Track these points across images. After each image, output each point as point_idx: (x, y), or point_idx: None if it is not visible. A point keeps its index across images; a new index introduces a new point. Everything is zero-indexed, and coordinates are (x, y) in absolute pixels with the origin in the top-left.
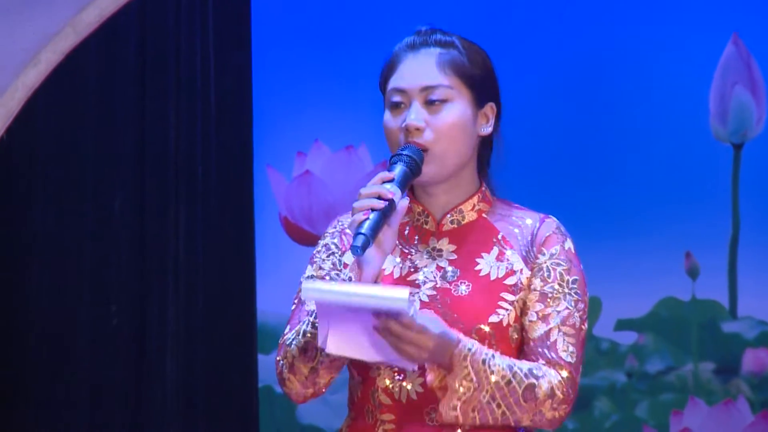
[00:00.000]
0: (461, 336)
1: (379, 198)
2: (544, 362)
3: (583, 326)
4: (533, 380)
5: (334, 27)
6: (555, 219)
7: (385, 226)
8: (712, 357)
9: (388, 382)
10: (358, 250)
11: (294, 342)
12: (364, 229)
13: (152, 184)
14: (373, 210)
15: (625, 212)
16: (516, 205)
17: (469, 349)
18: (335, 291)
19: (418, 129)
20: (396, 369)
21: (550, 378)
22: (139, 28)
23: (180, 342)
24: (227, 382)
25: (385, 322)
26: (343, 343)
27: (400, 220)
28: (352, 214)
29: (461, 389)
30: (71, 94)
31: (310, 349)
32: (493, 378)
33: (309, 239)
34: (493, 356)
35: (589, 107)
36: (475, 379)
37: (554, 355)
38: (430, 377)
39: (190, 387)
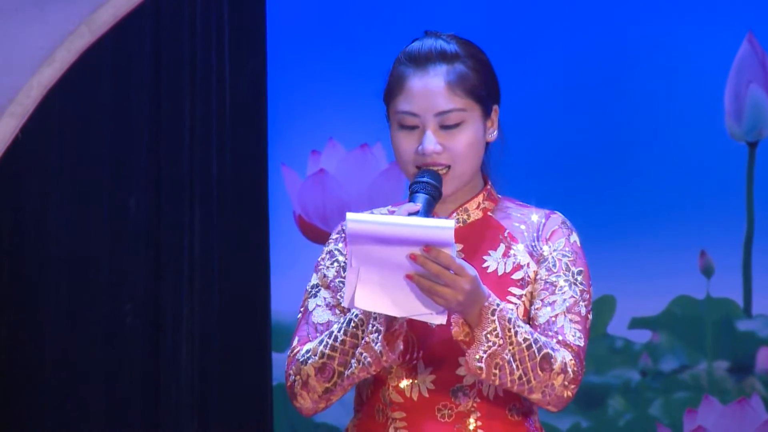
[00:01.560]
0: (490, 291)
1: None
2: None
3: (588, 316)
4: (550, 350)
5: (349, 26)
6: (560, 214)
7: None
8: (726, 355)
9: (398, 380)
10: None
11: (310, 361)
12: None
13: (167, 182)
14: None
15: (639, 211)
16: (520, 202)
17: (498, 305)
18: (380, 222)
19: (436, 153)
20: (407, 366)
21: (564, 354)
22: (155, 26)
23: (194, 340)
24: (242, 380)
25: (427, 256)
26: (372, 296)
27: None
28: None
29: (488, 343)
30: (86, 93)
31: (327, 370)
32: (518, 338)
33: (323, 238)
34: (517, 318)
35: (605, 106)
36: (501, 334)
37: (561, 338)
38: (455, 329)
39: (204, 385)
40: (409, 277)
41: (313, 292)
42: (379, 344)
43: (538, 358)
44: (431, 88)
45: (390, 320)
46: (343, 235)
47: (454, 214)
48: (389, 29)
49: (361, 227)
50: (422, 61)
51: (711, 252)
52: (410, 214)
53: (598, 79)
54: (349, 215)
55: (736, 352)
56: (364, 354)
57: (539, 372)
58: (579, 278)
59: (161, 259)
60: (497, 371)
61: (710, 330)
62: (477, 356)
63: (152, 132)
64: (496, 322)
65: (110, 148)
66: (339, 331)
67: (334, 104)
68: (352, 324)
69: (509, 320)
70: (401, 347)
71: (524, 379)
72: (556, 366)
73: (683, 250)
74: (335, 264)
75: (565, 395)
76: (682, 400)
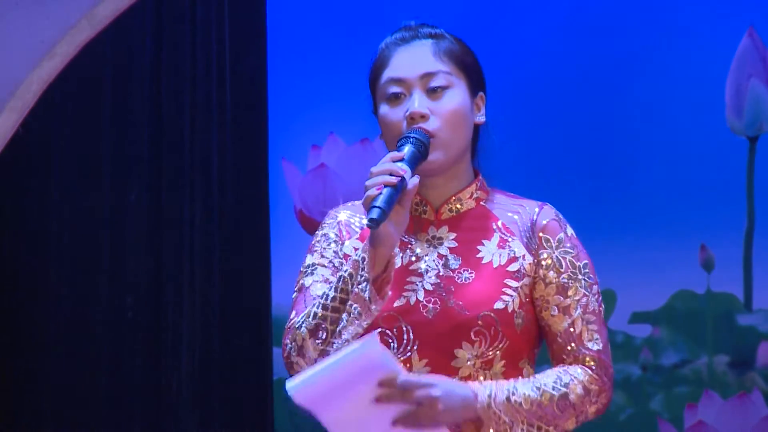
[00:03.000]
0: (472, 386)
1: (391, 175)
2: (571, 359)
3: (600, 307)
4: (562, 389)
5: (349, 20)
6: (552, 206)
7: (397, 205)
8: (726, 350)
9: None
10: (375, 223)
11: (304, 324)
12: (379, 202)
13: (168, 177)
14: (386, 186)
15: (640, 205)
16: (510, 194)
17: (489, 396)
18: (317, 375)
19: (423, 116)
20: (402, 359)
21: (578, 378)
22: (155, 21)
23: (195, 335)
24: (242, 375)
25: (383, 389)
26: None
27: (411, 199)
28: (365, 191)
29: (499, 428)
30: (87, 88)
31: (320, 330)
32: (524, 408)
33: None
34: (515, 388)
35: (605, 101)
36: (507, 420)
37: (582, 348)
38: (464, 427)
39: (205, 379)
40: (396, 422)
41: (310, 271)
42: (367, 291)
43: (554, 406)
44: (417, 54)
45: (378, 267)
46: (336, 220)
47: (446, 205)
48: (389, 24)
49: (306, 392)
50: (408, 38)
51: (711, 246)
52: (394, 161)
53: (599, 73)
54: (288, 386)
55: (737, 347)
56: (354, 305)
57: (560, 414)
58: (586, 272)
59: (162, 253)
60: None
61: (711, 324)
62: None
63: (153, 127)
64: (498, 413)
65: (110, 143)
66: (330, 290)
67: (334, 99)
68: (342, 280)
69: (507, 399)
70: (390, 293)
71: (550, 425)
72: (575, 398)
73: (684, 244)
74: (332, 244)
75: (600, 407)
76: (683, 394)
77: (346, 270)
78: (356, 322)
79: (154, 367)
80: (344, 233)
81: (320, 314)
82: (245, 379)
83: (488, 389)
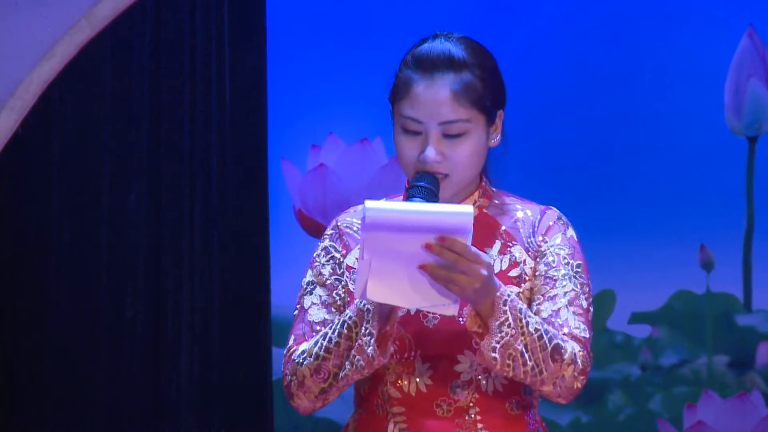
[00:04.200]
0: (500, 282)
1: None
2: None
3: (590, 309)
4: (560, 341)
5: (349, 21)
6: (556, 209)
7: None
8: (726, 350)
9: (396, 376)
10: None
11: (306, 363)
12: None
13: (167, 177)
14: None
15: (639, 205)
16: (515, 196)
17: (509, 296)
18: (399, 209)
19: (436, 163)
20: (404, 363)
21: (573, 345)
22: (154, 21)
23: (195, 335)
24: (242, 375)
25: (444, 244)
26: (383, 288)
27: None
28: None
29: (501, 333)
30: (86, 88)
31: (323, 371)
32: (529, 328)
33: (323, 232)
34: (528, 310)
35: (605, 101)
36: (513, 325)
37: (567, 331)
38: (468, 320)
39: (205, 379)
40: (423, 267)
41: (309, 289)
42: (371, 347)
43: (549, 349)
44: (437, 98)
45: (382, 323)
46: (338, 231)
47: None
48: (389, 24)
49: (381, 216)
50: (429, 67)
51: (711, 246)
52: None
53: (599, 73)
54: (368, 203)
55: (736, 347)
56: (357, 357)
57: (551, 363)
58: (579, 271)
59: (161, 253)
60: (511, 362)
61: (710, 325)
62: (491, 347)
63: (152, 127)
64: (508, 312)
65: (110, 143)
66: (333, 333)
67: (333, 99)
68: (346, 326)
69: (520, 311)
70: (392, 349)
71: (536, 369)
72: (567, 356)
73: (683, 244)
74: (331, 261)
75: (575, 386)
76: (682, 394)
77: (350, 317)
78: (359, 373)
79: (154, 367)
80: (346, 242)
81: (322, 356)
82: (245, 379)
83: (510, 291)
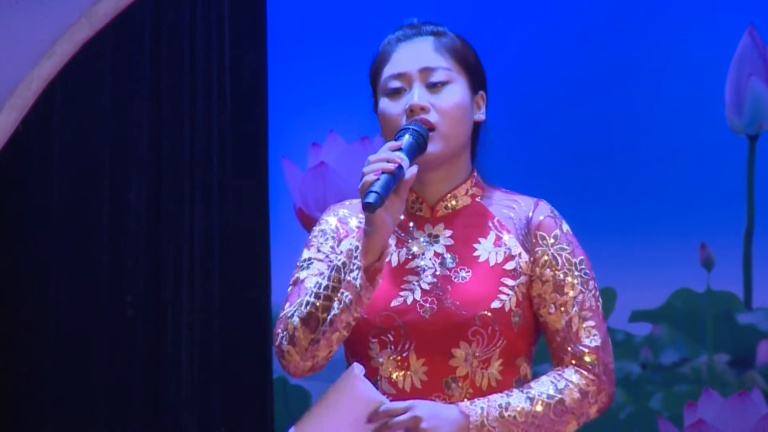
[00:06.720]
0: (461, 407)
1: (388, 162)
2: (570, 357)
3: (598, 302)
4: (557, 396)
5: (349, 18)
6: (547, 203)
7: (393, 194)
8: (726, 348)
9: (391, 371)
10: (371, 207)
11: (296, 313)
12: (376, 187)
13: (168, 175)
14: (383, 172)
15: (640, 203)
16: (506, 190)
17: (481, 414)
18: (310, 414)
19: (423, 108)
20: (398, 358)
21: (574, 382)
22: (155, 19)
23: (195, 333)
24: (242, 374)
25: (373, 422)
26: None
27: (408, 188)
28: (362, 178)
29: None
30: (86, 86)
31: (312, 319)
32: (519, 421)
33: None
34: (507, 403)
35: (605, 99)
36: None
37: (580, 346)
38: None
39: (205, 378)
40: None
41: (306, 265)
42: (359, 279)
43: (551, 413)
44: (418, 49)
45: (371, 256)
46: (334, 216)
47: (442, 202)
48: (389, 21)
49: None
50: (410, 35)
51: (711, 245)
52: (393, 150)
53: (599, 72)
54: None
55: (737, 345)
56: (345, 293)
57: (557, 419)
58: (582, 268)
59: (161, 252)
60: None
61: (710, 323)
62: None
63: (152, 125)
64: (494, 430)
65: (110, 141)
66: (323, 279)
67: (334, 97)
68: (335, 269)
69: (501, 415)
70: (380, 282)
71: None
72: (571, 401)
73: (683, 242)
74: (329, 240)
75: (601, 406)
76: (683, 393)
77: (340, 259)
78: (348, 310)
79: (154, 366)
80: (341, 231)
81: (312, 302)
82: (245, 379)
83: (479, 407)
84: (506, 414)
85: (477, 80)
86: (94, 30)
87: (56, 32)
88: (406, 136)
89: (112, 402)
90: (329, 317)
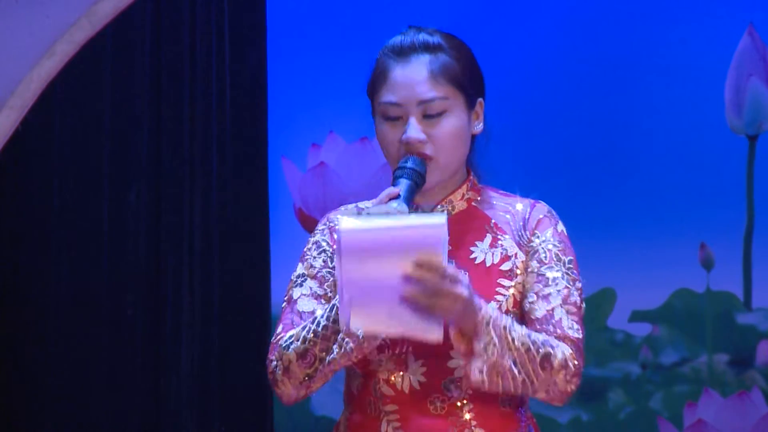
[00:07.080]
0: (481, 301)
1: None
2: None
3: (582, 305)
4: (549, 349)
5: (349, 19)
6: (545, 203)
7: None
8: (726, 348)
9: (389, 373)
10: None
11: (292, 347)
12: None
13: (168, 175)
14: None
15: (639, 204)
16: (503, 192)
17: (491, 315)
18: (371, 228)
19: (419, 142)
20: (396, 359)
21: (563, 349)
22: (155, 19)
23: (195, 333)
24: (242, 375)
25: (421, 268)
26: (367, 318)
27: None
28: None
29: (487, 353)
30: (86, 86)
31: (309, 356)
32: (516, 343)
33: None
34: (512, 323)
35: (605, 99)
36: (498, 344)
37: (560, 332)
38: (454, 340)
39: (204, 378)
40: (404, 299)
41: (299, 282)
42: (361, 330)
43: (538, 359)
44: (414, 77)
45: None
46: (329, 226)
47: (439, 206)
48: (389, 23)
49: (355, 238)
50: (405, 52)
51: (711, 245)
52: (391, 199)
53: (599, 72)
54: (344, 225)
55: (737, 346)
56: (347, 339)
57: (540, 372)
58: (570, 267)
59: (161, 251)
60: (499, 380)
61: (710, 323)
62: (478, 368)
63: (152, 125)
64: (492, 332)
65: (110, 141)
66: (322, 317)
67: (334, 97)
68: (335, 310)
69: (505, 327)
70: (383, 335)
71: (527, 381)
72: (557, 363)
73: (683, 243)
74: (322, 254)
75: (568, 389)
76: (683, 393)
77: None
78: (347, 356)
79: (154, 366)
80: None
81: (310, 339)
82: (245, 379)
83: (493, 310)
84: (509, 331)
85: (475, 92)
86: (94, 30)
87: (56, 32)
88: (403, 180)
89: (112, 402)
90: (328, 359)
